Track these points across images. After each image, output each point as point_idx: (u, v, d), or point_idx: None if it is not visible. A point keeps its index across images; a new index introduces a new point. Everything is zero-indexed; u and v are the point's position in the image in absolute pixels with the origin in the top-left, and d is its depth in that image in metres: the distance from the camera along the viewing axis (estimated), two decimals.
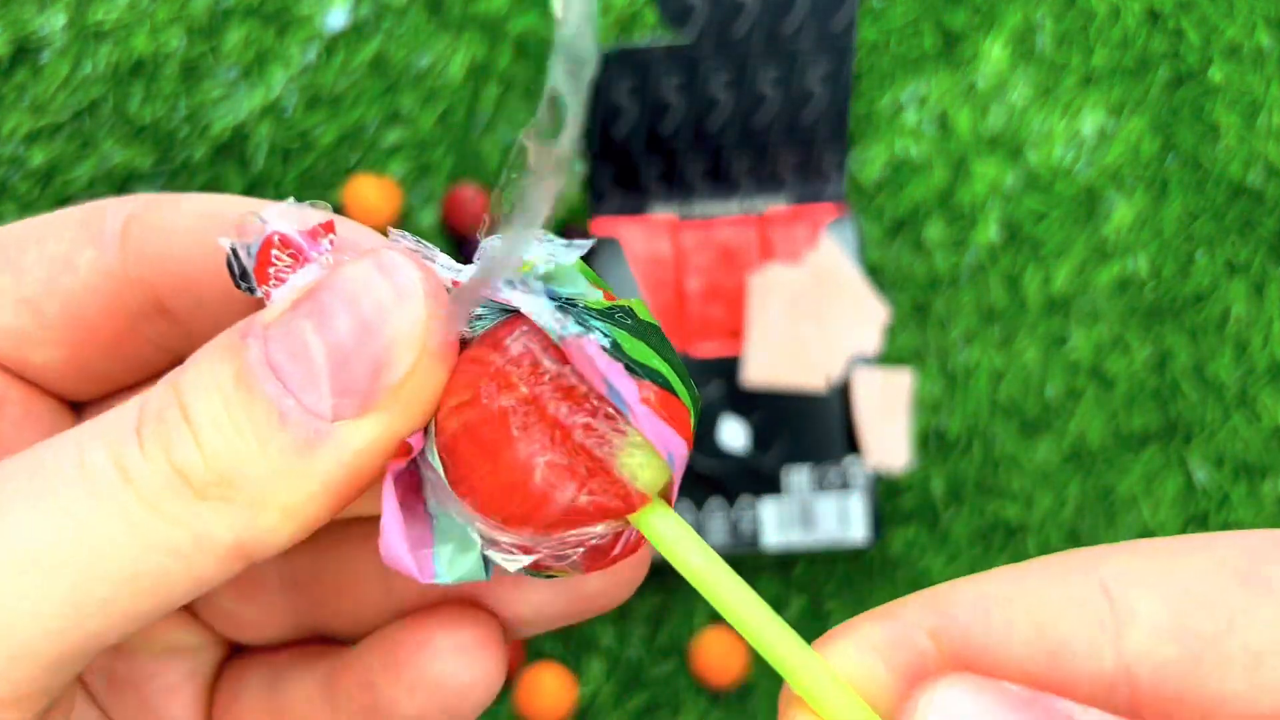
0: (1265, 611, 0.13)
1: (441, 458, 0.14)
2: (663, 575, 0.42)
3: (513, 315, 0.14)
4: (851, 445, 0.41)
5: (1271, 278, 0.44)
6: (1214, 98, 0.45)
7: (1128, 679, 0.13)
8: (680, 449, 0.13)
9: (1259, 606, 0.13)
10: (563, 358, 0.13)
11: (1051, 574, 0.14)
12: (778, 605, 0.41)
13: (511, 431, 0.13)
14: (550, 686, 0.41)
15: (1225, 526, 0.43)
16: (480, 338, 0.14)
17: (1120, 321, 0.43)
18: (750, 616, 0.13)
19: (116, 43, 0.43)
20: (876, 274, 0.43)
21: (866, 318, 0.42)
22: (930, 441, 0.43)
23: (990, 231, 0.44)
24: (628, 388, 0.13)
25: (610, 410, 0.13)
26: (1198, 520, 0.43)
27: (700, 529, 0.39)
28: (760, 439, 0.40)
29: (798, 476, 0.40)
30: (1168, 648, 0.13)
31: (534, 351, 0.13)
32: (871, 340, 0.41)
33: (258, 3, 0.43)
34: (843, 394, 0.41)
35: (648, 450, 0.13)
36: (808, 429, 0.40)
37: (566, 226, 0.43)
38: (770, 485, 0.40)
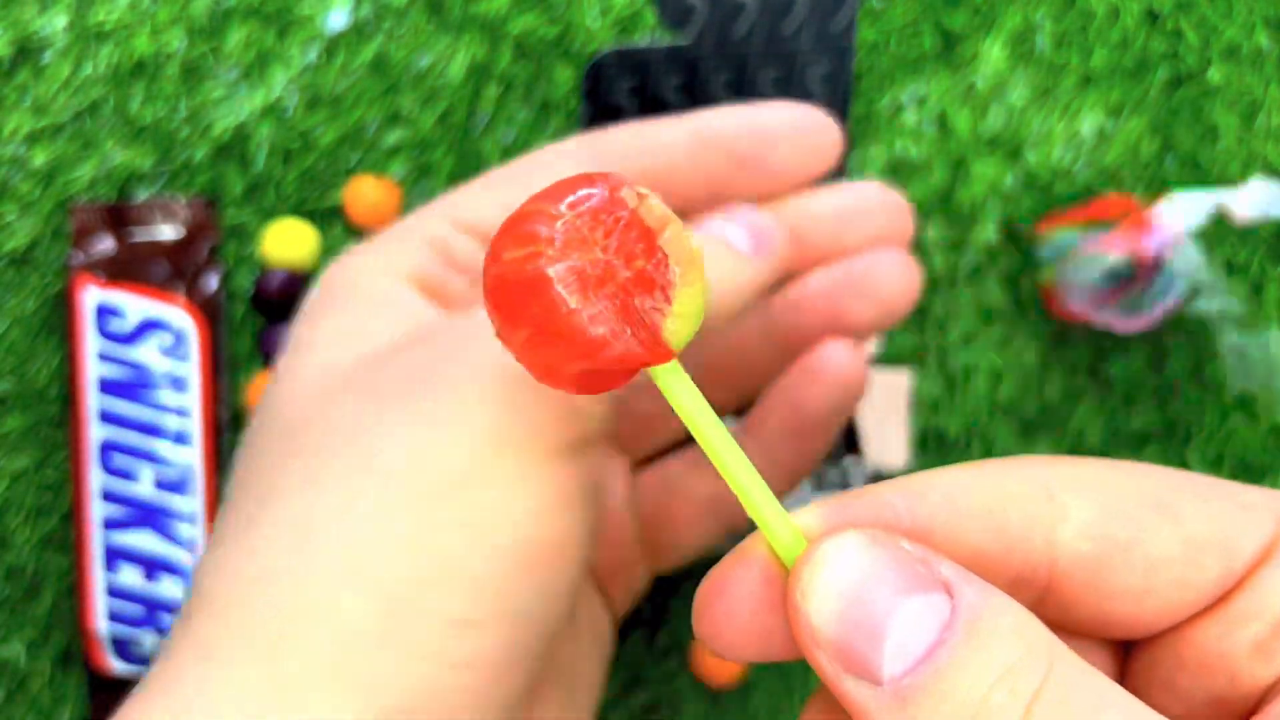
0: (1165, 531, 0.16)
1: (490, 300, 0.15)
2: (663, 575, 0.42)
3: (576, 176, 0.15)
4: (851, 445, 0.41)
5: (1270, 278, 0.44)
6: (1213, 98, 0.45)
7: (1049, 564, 0.16)
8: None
9: (1162, 526, 0.16)
10: (616, 221, 0.15)
11: (1007, 471, 0.16)
12: None
13: (564, 285, 0.14)
14: None
15: None
16: (547, 191, 0.15)
17: None
18: (737, 472, 0.16)
19: (117, 43, 0.43)
20: None
21: None
22: (929, 442, 0.43)
23: (989, 232, 0.44)
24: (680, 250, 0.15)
25: (656, 273, 0.15)
26: None
27: None
28: None
29: None
30: (1086, 544, 0.16)
31: (595, 210, 0.15)
32: (870, 340, 0.41)
33: (258, 4, 0.43)
34: None
35: (683, 314, 0.15)
36: None
37: None
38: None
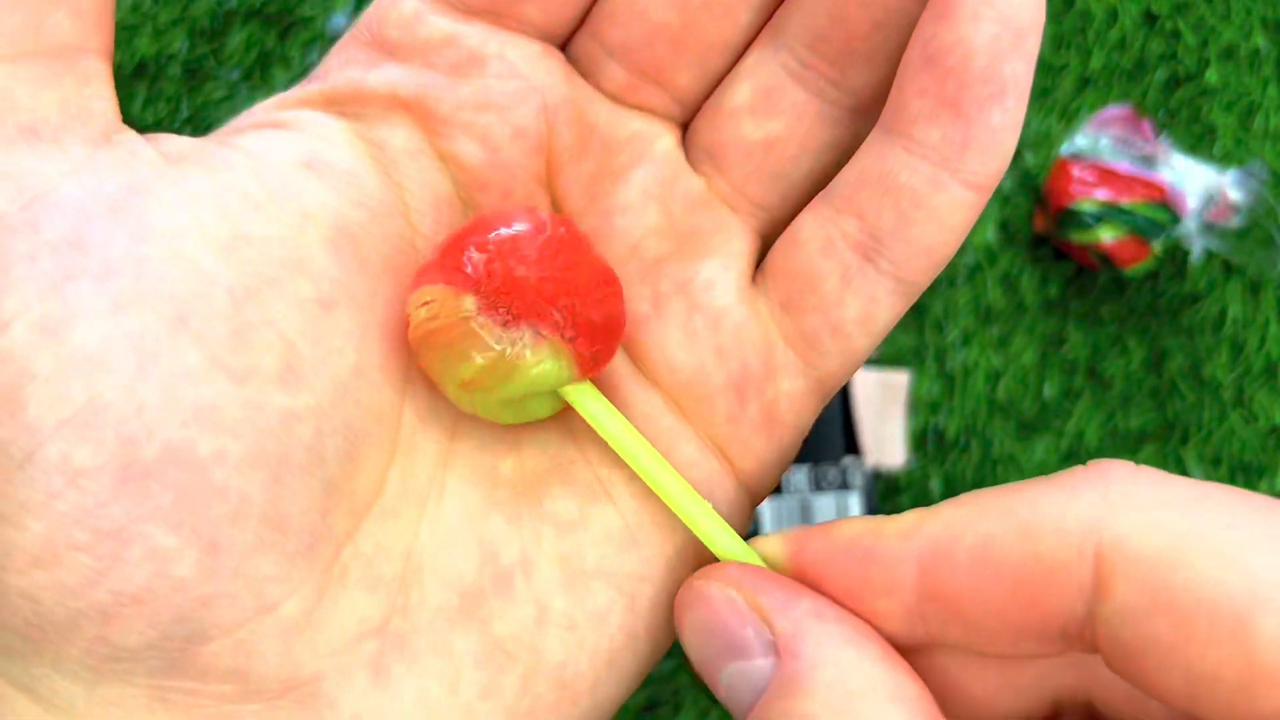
0: (1224, 646, 0.13)
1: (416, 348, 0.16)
2: None
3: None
4: (850, 445, 0.41)
5: (1267, 280, 0.44)
6: (1211, 99, 0.45)
7: (1091, 637, 0.14)
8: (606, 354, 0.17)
9: (1221, 637, 0.13)
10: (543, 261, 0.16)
11: (1042, 520, 0.14)
12: None
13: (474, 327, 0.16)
14: None
15: None
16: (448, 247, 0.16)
17: (1118, 322, 0.44)
18: (673, 490, 0.16)
19: (120, 44, 0.43)
20: None
21: None
22: (928, 441, 0.43)
23: (988, 232, 0.44)
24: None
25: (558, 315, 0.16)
26: None
27: None
28: None
29: (797, 476, 0.41)
30: (1126, 633, 0.13)
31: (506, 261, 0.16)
32: None
33: (260, 5, 0.44)
34: (841, 394, 0.41)
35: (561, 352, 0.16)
36: None
37: None
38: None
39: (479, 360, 0.16)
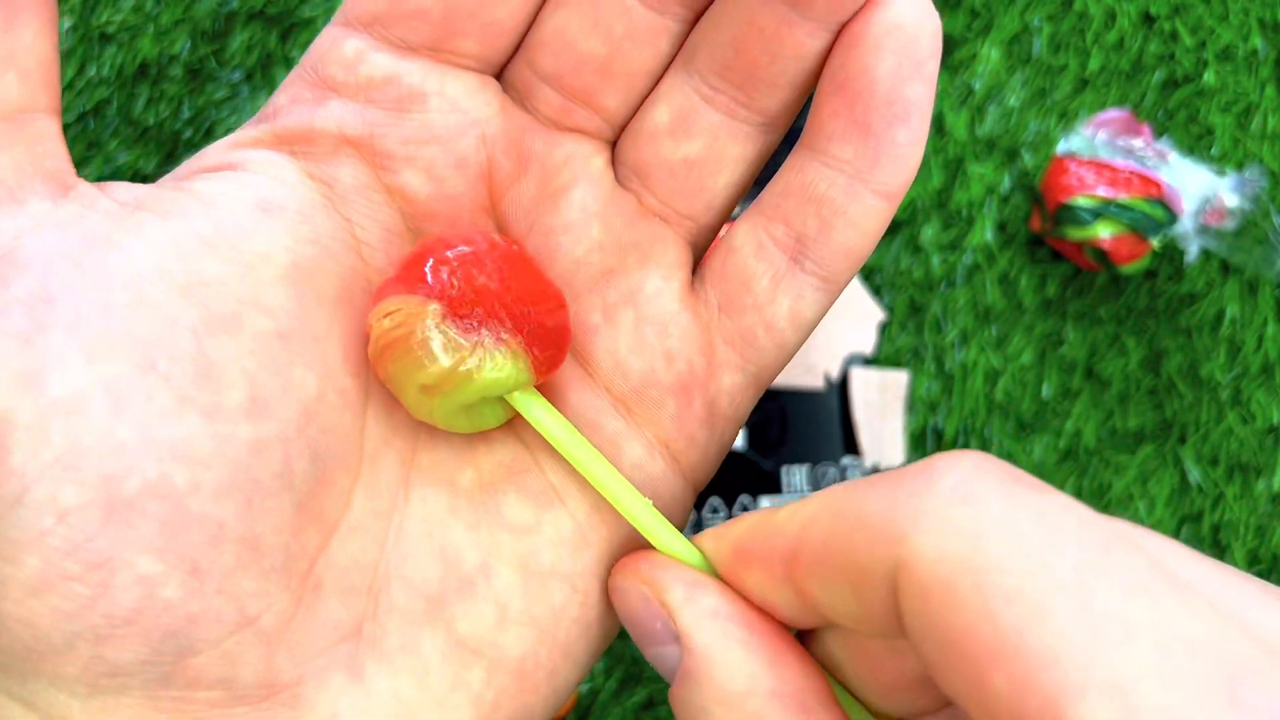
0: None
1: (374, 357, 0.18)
2: None
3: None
4: (849, 445, 0.41)
5: (1265, 280, 0.44)
6: (1208, 100, 0.45)
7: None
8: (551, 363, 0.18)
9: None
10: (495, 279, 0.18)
11: (853, 521, 0.15)
12: None
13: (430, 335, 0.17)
14: None
15: (1219, 525, 0.43)
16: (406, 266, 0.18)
17: (1116, 322, 0.44)
18: (599, 473, 0.18)
19: (122, 45, 0.43)
20: (874, 275, 0.44)
21: (863, 318, 0.42)
22: (927, 440, 0.43)
23: (987, 233, 0.44)
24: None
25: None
26: (1192, 519, 0.43)
27: (699, 528, 0.40)
28: (758, 439, 0.41)
29: (796, 476, 0.41)
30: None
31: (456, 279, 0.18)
32: (868, 340, 0.42)
33: (261, 6, 0.44)
34: (840, 394, 0.41)
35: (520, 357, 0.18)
36: (805, 429, 0.41)
37: None
38: (769, 484, 0.40)
39: (443, 363, 0.17)
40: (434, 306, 0.17)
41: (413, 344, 0.17)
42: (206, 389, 0.16)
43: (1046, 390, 0.43)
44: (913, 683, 0.16)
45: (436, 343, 0.17)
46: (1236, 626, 0.12)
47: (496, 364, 0.17)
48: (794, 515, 0.16)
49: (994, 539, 0.13)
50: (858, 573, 0.14)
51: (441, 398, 0.17)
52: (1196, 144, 0.45)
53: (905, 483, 0.14)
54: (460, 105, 0.18)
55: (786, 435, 0.41)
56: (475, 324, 0.17)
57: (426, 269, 0.17)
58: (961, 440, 0.43)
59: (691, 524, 0.40)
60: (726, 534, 0.17)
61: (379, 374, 0.18)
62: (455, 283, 0.17)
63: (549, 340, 0.18)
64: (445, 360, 0.17)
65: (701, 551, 0.17)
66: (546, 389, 0.19)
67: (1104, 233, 0.41)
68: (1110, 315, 0.44)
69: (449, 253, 0.17)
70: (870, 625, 0.15)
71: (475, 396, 0.17)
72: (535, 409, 0.18)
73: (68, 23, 0.43)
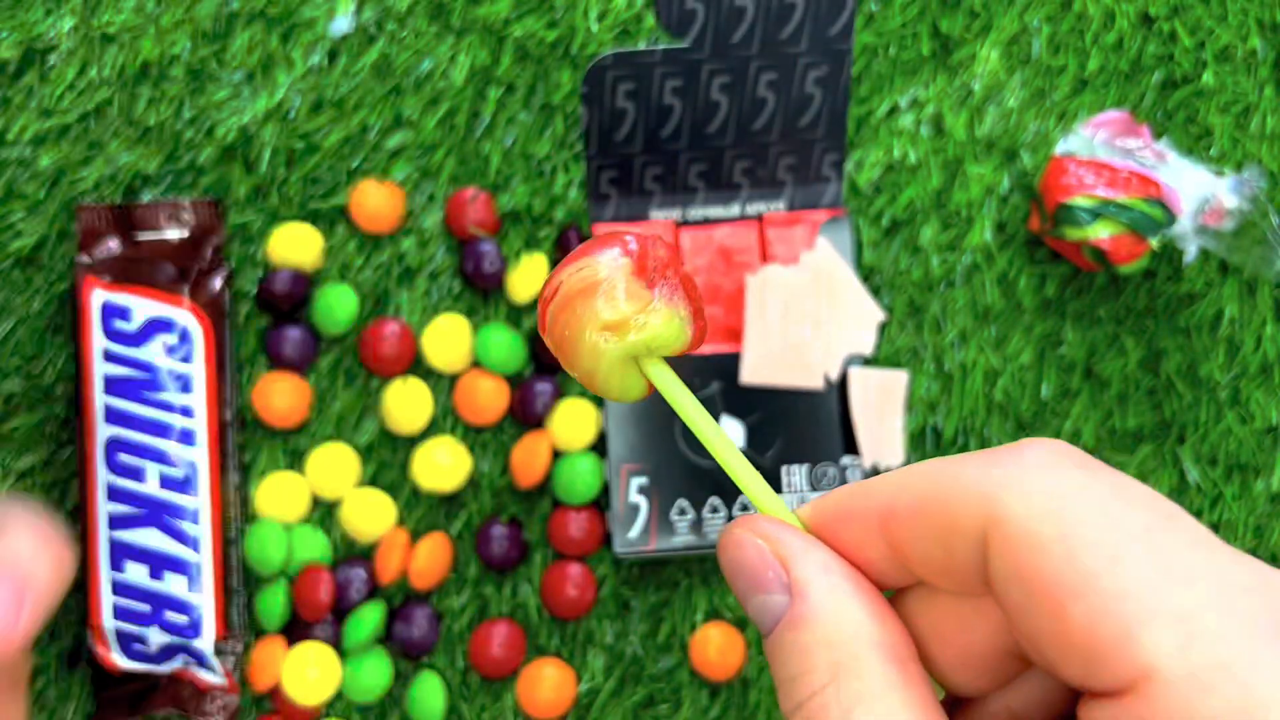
0: (1077, 603, 0.15)
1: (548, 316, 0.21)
2: (662, 572, 0.42)
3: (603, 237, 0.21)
4: (848, 444, 0.41)
5: (1263, 280, 0.44)
6: (1207, 101, 0.45)
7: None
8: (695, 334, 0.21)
9: (1073, 598, 0.15)
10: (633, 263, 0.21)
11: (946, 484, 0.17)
12: None
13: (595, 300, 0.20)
14: (551, 681, 0.41)
15: (1218, 525, 0.43)
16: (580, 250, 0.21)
17: (1115, 322, 0.44)
18: (719, 444, 0.20)
19: (123, 46, 0.44)
20: (873, 275, 0.44)
21: (862, 318, 0.42)
22: (926, 440, 0.43)
23: (986, 233, 0.44)
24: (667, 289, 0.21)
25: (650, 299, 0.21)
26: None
27: (698, 527, 0.40)
28: (758, 438, 0.41)
29: (795, 475, 0.41)
30: (1013, 592, 0.16)
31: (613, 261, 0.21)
32: (868, 340, 0.42)
33: (263, 8, 0.44)
34: (840, 393, 0.41)
35: (663, 325, 0.21)
36: (805, 428, 0.41)
37: (565, 230, 0.43)
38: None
39: (624, 307, 0.20)
40: (624, 261, 0.21)
41: (602, 288, 0.20)
42: None
43: (1045, 390, 0.44)
44: (980, 655, 0.18)
45: (622, 289, 0.20)
46: None
47: (668, 318, 0.21)
48: (887, 481, 0.18)
49: (1076, 500, 0.15)
50: (950, 527, 0.16)
51: (616, 339, 0.20)
52: (1195, 144, 0.45)
53: (997, 456, 0.17)
54: None
55: (786, 435, 0.41)
56: (655, 282, 0.21)
57: (622, 239, 0.21)
58: (960, 440, 0.43)
59: (690, 523, 0.40)
60: (822, 502, 0.19)
61: (557, 328, 0.21)
62: (645, 249, 0.21)
63: (701, 314, 0.21)
64: (627, 305, 0.20)
65: (798, 517, 0.20)
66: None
67: (1103, 233, 0.41)
68: (1109, 315, 0.44)
69: (628, 235, 0.21)
70: (956, 578, 0.17)
71: (641, 347, 0.21)
72: (671, 384, 0.21)
73: (69, 23, 0.44)
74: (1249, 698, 0.13)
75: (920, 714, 0.17)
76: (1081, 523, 0.15)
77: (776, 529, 0.19)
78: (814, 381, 0.41)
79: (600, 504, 0.42)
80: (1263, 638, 0.14)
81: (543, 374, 0.43)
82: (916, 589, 0.18)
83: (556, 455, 0.42)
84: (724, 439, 0.20)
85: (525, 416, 0.42)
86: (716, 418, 0.41)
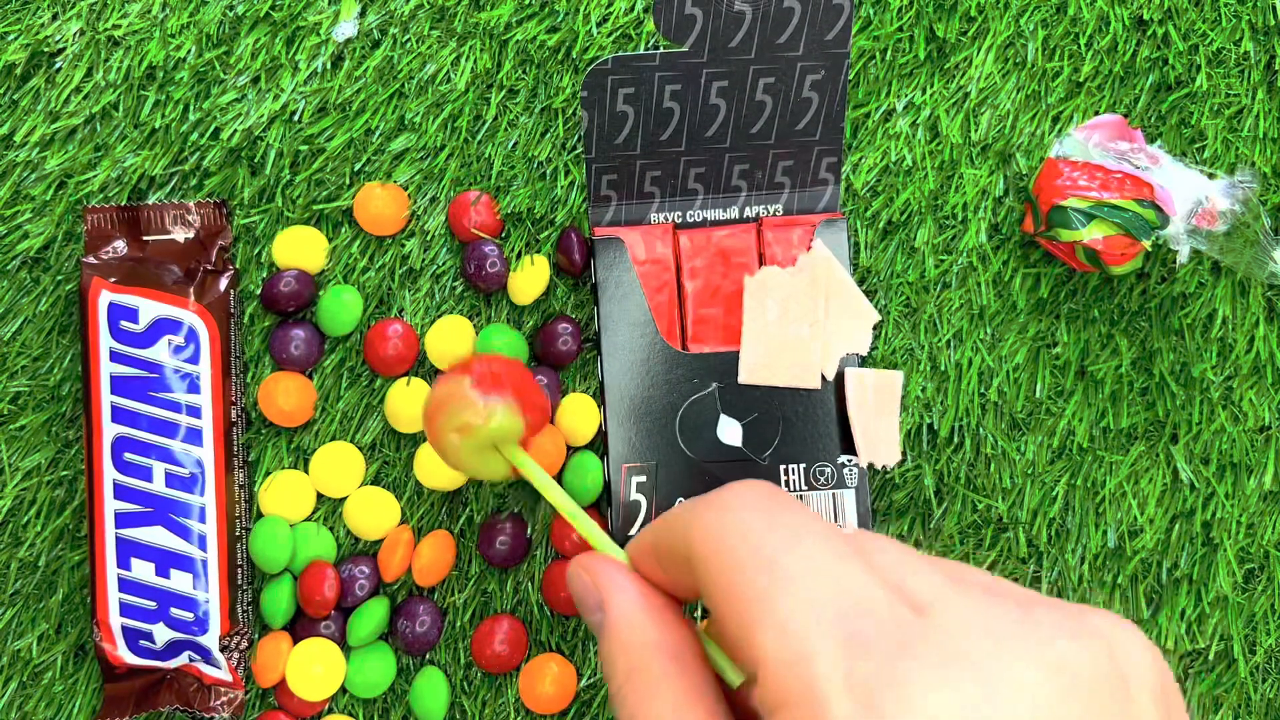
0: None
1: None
2: None
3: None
4: (845, 443, 0.41)
5: (1255, 281, 0.44)
6: (1200, 104, 0.45)
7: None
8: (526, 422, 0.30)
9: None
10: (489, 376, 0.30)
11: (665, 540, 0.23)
12: None
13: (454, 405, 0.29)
14: (553, 677, 0.41)
15: (1210, 522, 0.44)
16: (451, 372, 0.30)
17: (1108, 322, 0.44)
18: (562, 501, 0.27)
19: (129, 50, 0.44)
20: (869, 276, 0.44)
21: (859, 319, 0.42)
22: (922, 439, 0.43)
23: (980, 234, 0.44)
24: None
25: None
26: (1184, 516, 0.44)
27: None
28: (755, 437, 0.41)
29: (792, 475, 0.41)
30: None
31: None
32: (864, 340, 0.42)
33: (268, 11, 0.44)
34: (836, 393, 0.42)
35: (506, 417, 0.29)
36: (802, 427, 0.41)
37: (566, 231, 0.43)
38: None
39: (467, 415, 0.28)
40: (468, 379, 0.29)
41: (454, 400, 0.28)
42: None
43: (1039, 390, 0.44)
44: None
45: (468, 398, 0.28)
46: (881, 580, 0.19)
47: (505, 416, 0.28)
48: (663, 517, 0.23)
49: (732, 530, 0.20)
50: (672, 554, 0.22)
51: (469, 437, 0.28)
52: (1188, 147, 0.45)
53: (707, 497, 0.21)
54: None
55: (783, 434, 0.41)
56: (492, 392, 0.28)
57: (464, 365, 0.29)
58: (956, 439, 0.43)
59: None
60: (637, 538, 0.24)
61: (430, 436, 0.29)
62: (484, 370, 0.29)
63: (537, 411, 0.29)
64: (468, 414, 0.28)
65: (625, 552, 0.25)
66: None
67: (1096, 234, 0.41)
68: (1102, 316, 0.44)
69: (475, 361, 0.29)
70: (694, 591, 0.22)
71: (489, 439, 0.28)
72: (523, 460, 0.28)
73: (75, 27, 0.44)
74: (813, 686, 0.17)
75: (689, 699, 0.21)
76: (732, 548, 0.20)
77: (597, 562, 0.24)
78: (811, 381, 0.41)
79: (600, 502, 0.42)
80: (829, 635, 0.18)
81: (543, 374, 0.43)
82: None
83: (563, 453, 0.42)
84: (566, 497, 0.27)
85: None
86: (716, 417, 0.41)
